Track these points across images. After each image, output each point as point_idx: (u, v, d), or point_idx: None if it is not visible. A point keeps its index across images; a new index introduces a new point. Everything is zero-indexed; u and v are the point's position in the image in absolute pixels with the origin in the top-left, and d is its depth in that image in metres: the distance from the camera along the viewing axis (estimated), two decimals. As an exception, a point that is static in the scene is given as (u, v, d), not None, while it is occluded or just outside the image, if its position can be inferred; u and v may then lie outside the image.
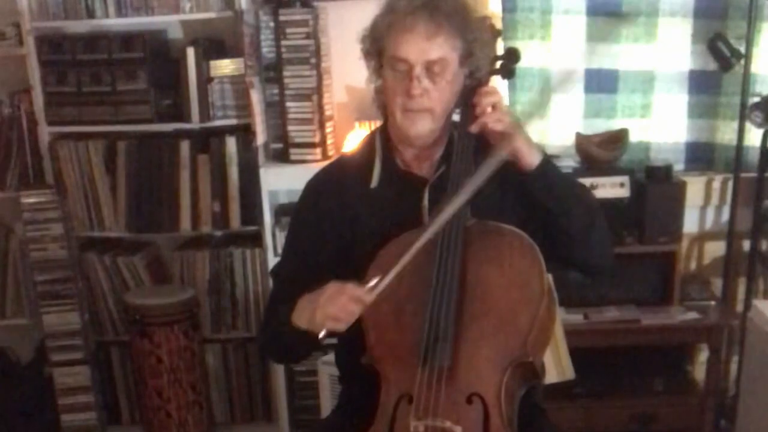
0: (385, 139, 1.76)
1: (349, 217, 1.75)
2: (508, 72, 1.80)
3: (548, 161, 1.64)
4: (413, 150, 1.73)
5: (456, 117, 1.75)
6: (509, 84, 3.08)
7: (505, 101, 3.07)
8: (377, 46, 1.67)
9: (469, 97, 1.69)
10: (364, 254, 1.68)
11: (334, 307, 1.52)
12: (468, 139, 1.68)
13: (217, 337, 3.24)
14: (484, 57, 1.70)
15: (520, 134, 1.60)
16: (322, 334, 1.55)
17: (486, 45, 1.69)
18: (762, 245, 3.03)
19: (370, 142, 1.80)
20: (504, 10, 3.06)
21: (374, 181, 1.75)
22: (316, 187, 1.83)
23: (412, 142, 1.69)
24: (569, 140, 3.09)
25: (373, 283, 1.53)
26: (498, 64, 1.79)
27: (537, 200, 1.65)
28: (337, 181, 1.79)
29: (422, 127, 1.65)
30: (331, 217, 1.76)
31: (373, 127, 2.96)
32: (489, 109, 1.62)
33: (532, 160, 1.61)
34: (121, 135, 3.15)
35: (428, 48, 1.59)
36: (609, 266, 1.78)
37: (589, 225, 1.67)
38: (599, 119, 3.16)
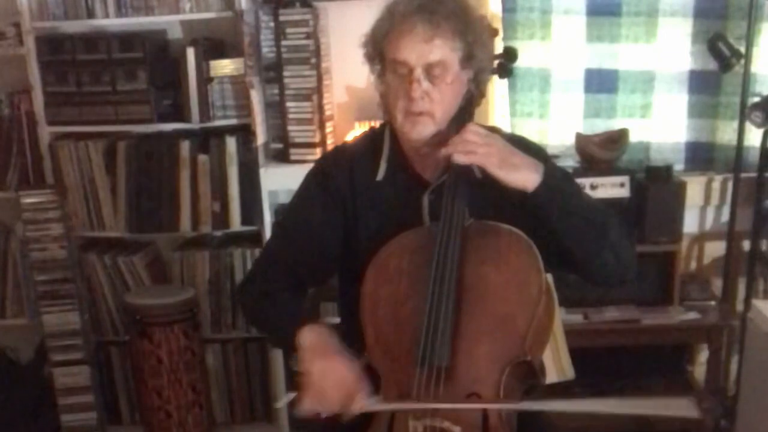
0: (393, 136, 1.76)
1: (356, 205, 1.75)
2: (505, 71, 1.80)
3: (548, 185, 1.56)
4: (417, 150, 1.72)
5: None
6: (509, 84, 3.09)
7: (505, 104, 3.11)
8: (378, 50, 1.67)
9: (467, 110, 1.69)
10: (362, 247, 1.69)
11: (331, 393, 1.53)
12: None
13: (217, 337, 3.24)
14: (486, 59, 1.69)
15: (501, 162, 1.55)
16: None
17: (486, 46, 1.68)
18: (762, 245, 3.03)
19: (378, 135, 1.80)
20: (504, 10, 3.06)
21: (380, 175, 1.75)
22: (327, 167, 1.82)
23: (415, 144, 1.70)
24: (569, 140, 3.09)
25: (372, 400, 1.54)
26: (495, 63, 1.79)
27: (539, 218, 1.60)
28: (347, 166, 1.78)
29: (423, 130, 1.65)
30: (341, 198, 1.76)
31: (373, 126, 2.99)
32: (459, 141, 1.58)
33: (524, 185, 1.55)
34: (121, 135, 3.15)
35: (427, 50, 1.59)
36: (626, 278, 1.70)
37: (598, 248, 1.60)
38: (599, 119, 3.17)
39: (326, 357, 1.57)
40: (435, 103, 1.62)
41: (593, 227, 1.59)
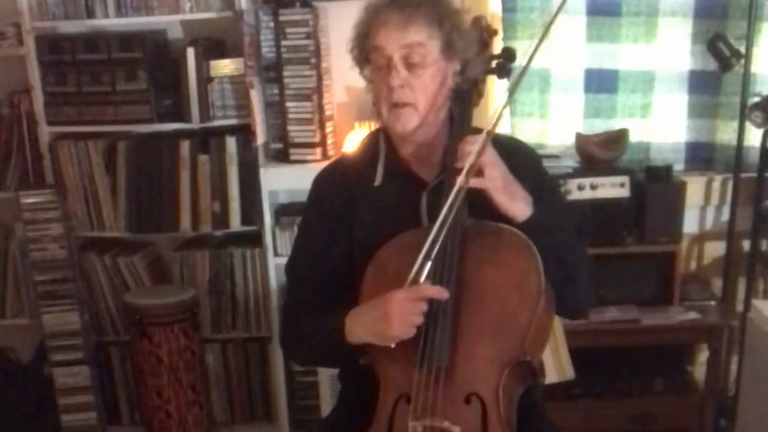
0: (387, 139, 1.76)
1: (354, 214, 1.75)
2: (503, 71, 1.79)
3: (534, 221, 1.60)
4: (411, 150, 1.73)
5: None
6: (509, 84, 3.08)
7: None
8: (362, 50, 1.68)
9: (464, 112, 1.69)
10: (362, 251, 1.69)
11: (410, 314, 1.53)
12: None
13: (217, 337, 3.24)
14: (469, 49, 1.69)
15: (504, 188, 1.59)
16: (393, 344, 1.56)
17: (466, 35, 1.68)
18: (762, 245, 3.02)
19: (374, 141, 1.80)
20: (504, 10, 3.06)
21: (378, 179, 1.75)
22: (322, 184, 1.83)
23: (404, 138, 1.70)
24: (569, 140, 3.09)
25: (412, 274, 1.54)
26: (494, 63, 1.79)
27: None
28: (342, 178, 1.79)
29: (407, 122, 1.65)
30: (338, 214, 1.76)
31: (373, 127, 2.99)
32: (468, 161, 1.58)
33: (515, 215, 1.60)
34: (121, 135, 3.15)
35: (402, 36, 1.61)
36: (581, 312, 1.79)
37: (562, 285, 1.64)
38: (599, 119, 3.16)
39: (375, 311, 1.57)
40: (416, 92, 1.63)
41: (562, 266, 1.63)
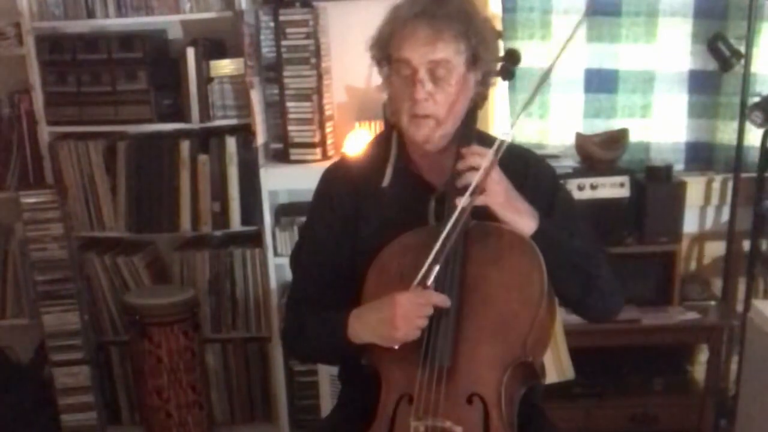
0: (400, 141, 1.76)
1: (360, 213, 1.75)
2: (508, 74, 1.79)
3: (541, 235, 1.60)
4: (424, 156, 1.72)
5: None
6: (509, 84, 3.08)
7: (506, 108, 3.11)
8: (384, 53, 1.66)
9: (472, 114, 1.69)
10: (366, 251, 1.69)
11: (416, 317, 1.53)
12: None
13: (217, 337, 3.24)
14: (492, 60, 1.69)
15: (506, 203, 1.59)
16: (397, 346, 1.56)
17: (490, 47, 1.67)
18: (762, 245, 3.02)
19: (386, 141, 1.79)
20: (504, 10, 3.06)
21: (386, 180, 1.74)
22: (330, 180, 1.83)
23: (422, 147, 1.69)
24: (569, 140, 3.09)
25: (420, 277, 1.54)
26: (498, 65, 1.78)
27: None
28: (350, 176, 1.79)
29: (429, 133, 1.64)
30: (345, 211, 1.76)
31: (373, 127, 3.00)
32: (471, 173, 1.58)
33: (521, 230, 1.60)
34: (121, 135, 3.15)
35: (430, 51, 1.59)
36: (613, 317, 1.76)
37: (584, 293, 1.65)
38: (599, 119, 3.16)
39: (380, 313, 1.57)
40: (440, 106, 1.62)
41: (580, 275, 1.64)
